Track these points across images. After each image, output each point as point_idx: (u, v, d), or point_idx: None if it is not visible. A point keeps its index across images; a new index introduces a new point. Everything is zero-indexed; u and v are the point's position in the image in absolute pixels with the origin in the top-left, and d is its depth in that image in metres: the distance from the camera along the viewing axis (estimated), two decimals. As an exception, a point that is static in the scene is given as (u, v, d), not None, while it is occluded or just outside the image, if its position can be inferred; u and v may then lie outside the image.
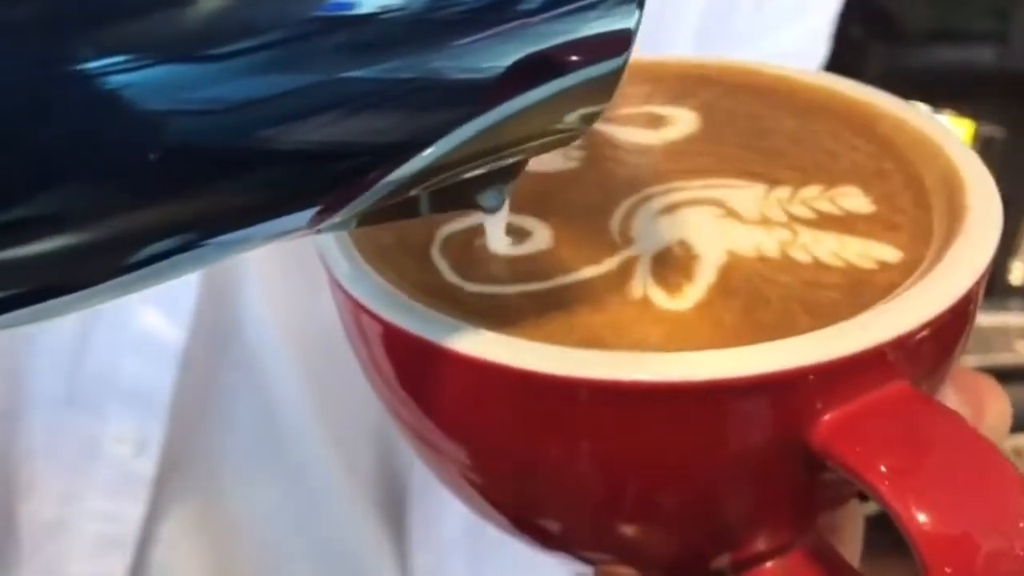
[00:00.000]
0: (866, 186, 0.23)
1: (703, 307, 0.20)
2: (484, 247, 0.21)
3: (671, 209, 0.22)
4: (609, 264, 0.21)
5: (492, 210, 0.20)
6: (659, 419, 0.18)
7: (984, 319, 0.83)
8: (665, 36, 0.46)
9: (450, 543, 0.47)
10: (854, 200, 0.22)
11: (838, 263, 0.20)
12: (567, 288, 0.20)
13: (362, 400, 0.47)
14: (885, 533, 0.22)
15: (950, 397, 0.22)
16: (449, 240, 0.22)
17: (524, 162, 0.19)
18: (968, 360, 0.81)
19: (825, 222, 0.22)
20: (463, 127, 0.16)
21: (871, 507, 0.22)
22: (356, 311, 0.20)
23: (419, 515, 0.47)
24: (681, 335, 0.19)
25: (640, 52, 0.28)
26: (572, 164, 0.24)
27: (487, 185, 0.19)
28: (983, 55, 1.16)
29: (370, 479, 0.47)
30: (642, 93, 0.27)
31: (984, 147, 0.92)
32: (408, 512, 0.47)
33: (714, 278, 0.20)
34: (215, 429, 0.45)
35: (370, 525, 0.48)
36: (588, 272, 0.21)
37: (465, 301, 0.20)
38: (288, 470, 0.46)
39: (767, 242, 0.21)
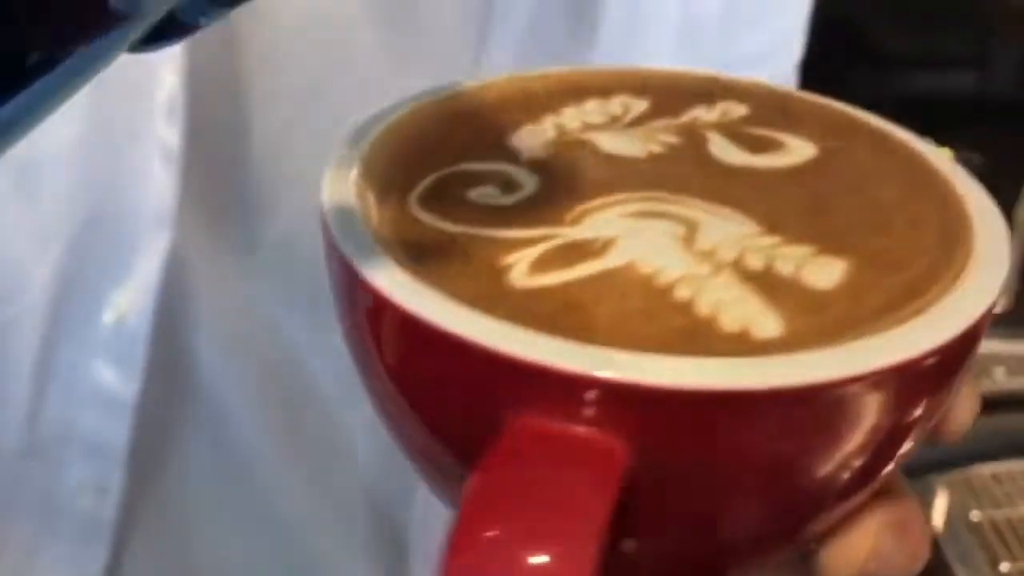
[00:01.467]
0: (868, 270, 0.20)
1: (532, 292, 0.20)
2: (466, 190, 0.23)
3: (648, 215, 0.22)
4: (531, 234, 0.21)
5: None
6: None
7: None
8: (641, 33, 0.46)
9: None
10: (825, 274, 0.20)
11: (702, 311, 0.19)
12: (475, 238, 0.21)
13: (338, 438, 0.47)
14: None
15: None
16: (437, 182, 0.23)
17: None
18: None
19: (757, 278, 0.20)
20: None
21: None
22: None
23: (422, 551, 0.47)
24: (490, 304, 0.19)
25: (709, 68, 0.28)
26: (642, 153, 0.24)
27: None
28: (961, 80, 1.18)
29: (357, 518, 0.47)
30: (760, 114, 0.26)
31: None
32: (408, 548, 0.47)
33: (581, 276, 0.20)
34: (176, 476, 0.46)
35: (362, 567, 0.47)
36: (504, 233, 0.21)
37: (414, 231, 0.21)
38: (260, 514, 0.46)
39: (671, 270, 0.20)
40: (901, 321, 0.19)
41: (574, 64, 0.29)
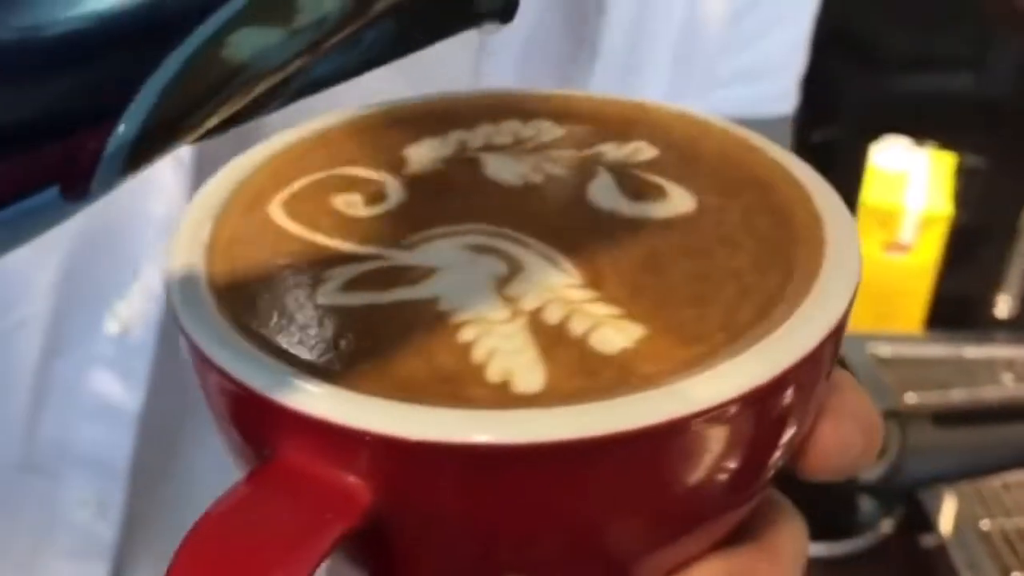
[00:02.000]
0: (661, 341, 0.20)
1: (331, 312, 0.20)
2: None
3: (482, 250, 0.22)
4: (362, 251, 0.22)
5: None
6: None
7: (970, 352, 0.84)
8: (646, 48, 0.46)
9: None
10: (614, 338, 0.20)
11: (477, 357, 0.19)
12: (312, 246, 0.22)
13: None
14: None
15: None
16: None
17: None
18: (955, 394, 0.82)
19: (545, 332, 0.20)
20: None
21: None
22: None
23: None
24: (286, 323, 0.20)
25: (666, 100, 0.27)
26: (519, 182, 0.24)
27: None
28: (962, 82, 1.18)
29: None
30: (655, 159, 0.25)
31: (967, 179, 0.93)
32: None
33: (384, 302, 0.20)
34: (180, 490, 0.45)
35: None
36: (341, 245, 0.22)
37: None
38: None
39: (467, 311, 0.20)
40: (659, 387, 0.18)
41: (543, 87, 0.28)
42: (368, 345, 0.19)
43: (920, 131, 0.96)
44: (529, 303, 0.20)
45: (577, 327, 0.20)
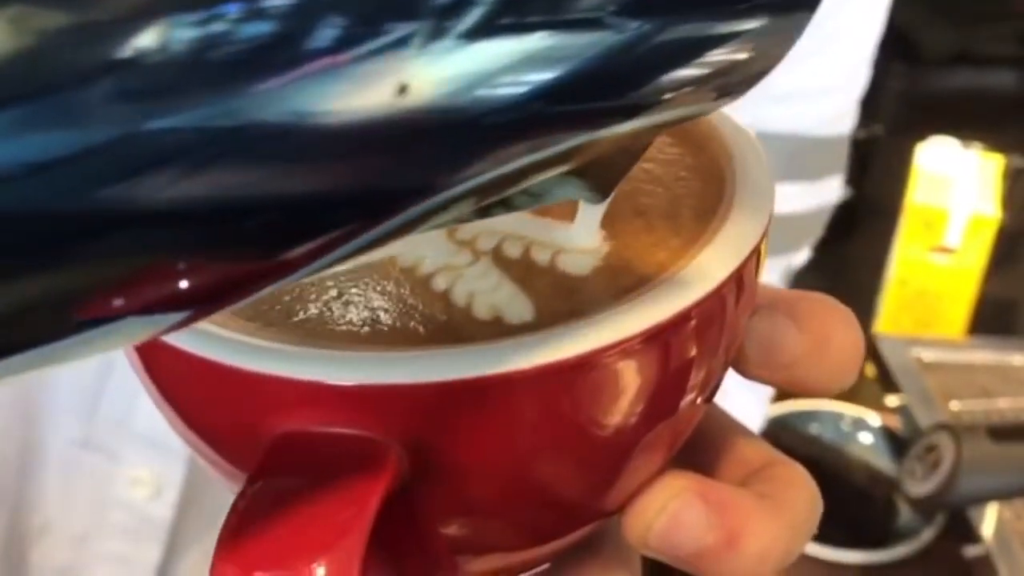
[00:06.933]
0: (624, 253, 0.21)
1: (293, 291, 0.21)
2: None
3: None
4: None
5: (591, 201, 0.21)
6: None
7: (1016, 359, 0.84)
8: None
9: None
10: (580, 260, 0.21)
11: (459, 301, 0.20)
12: None
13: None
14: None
15: (790, 329, 0.22)
16: None
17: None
18: (1001, 403, 0.82)
19: (513, 266, 0.21)
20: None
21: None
22: None
23: None
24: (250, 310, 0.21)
25: None
26: None
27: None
28: (1004, 79, 1.18)
29: None
30: None
31: (1014, 181, 0.93)
32: None
33: (342, 270, 0.21)
34: None
35: None
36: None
37: None
38: None
39: (431, 261, 0.21)
40: (643, 295, 0.20)
41: None
42: (353, 310, 0.20)
43: (964, 131, 0.96)
44: (485, 243, 0.21)
45: (540, 257, 0.21)
